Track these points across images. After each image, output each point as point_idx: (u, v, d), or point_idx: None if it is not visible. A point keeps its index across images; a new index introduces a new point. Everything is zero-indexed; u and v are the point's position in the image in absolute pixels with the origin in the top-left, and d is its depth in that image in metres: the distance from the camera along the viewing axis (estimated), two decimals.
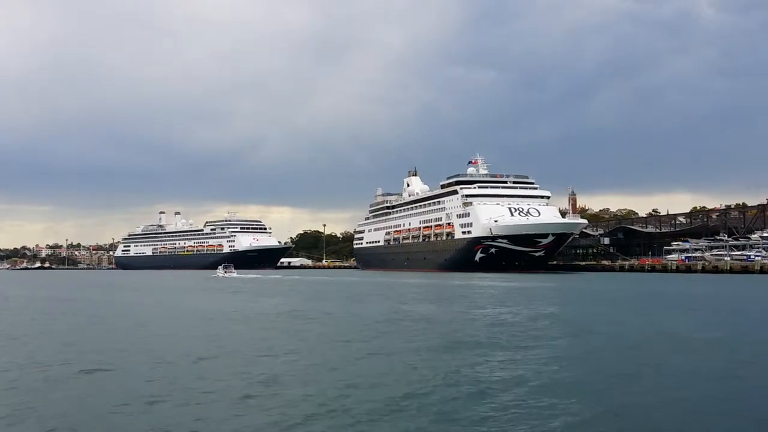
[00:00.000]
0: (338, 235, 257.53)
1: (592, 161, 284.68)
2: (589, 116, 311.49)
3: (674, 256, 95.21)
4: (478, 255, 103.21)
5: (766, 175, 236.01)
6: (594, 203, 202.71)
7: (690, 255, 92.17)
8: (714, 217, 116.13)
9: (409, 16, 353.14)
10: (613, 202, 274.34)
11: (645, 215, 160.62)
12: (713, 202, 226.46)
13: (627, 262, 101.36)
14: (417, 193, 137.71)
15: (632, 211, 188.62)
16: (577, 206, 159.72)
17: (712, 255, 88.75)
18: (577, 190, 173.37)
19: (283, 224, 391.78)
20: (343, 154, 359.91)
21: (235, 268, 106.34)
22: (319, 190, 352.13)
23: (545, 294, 43.46)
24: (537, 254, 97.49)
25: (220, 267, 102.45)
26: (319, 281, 75.54)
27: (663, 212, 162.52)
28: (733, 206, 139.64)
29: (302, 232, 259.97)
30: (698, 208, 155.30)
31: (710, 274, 77.68)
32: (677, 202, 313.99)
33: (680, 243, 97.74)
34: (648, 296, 42.58)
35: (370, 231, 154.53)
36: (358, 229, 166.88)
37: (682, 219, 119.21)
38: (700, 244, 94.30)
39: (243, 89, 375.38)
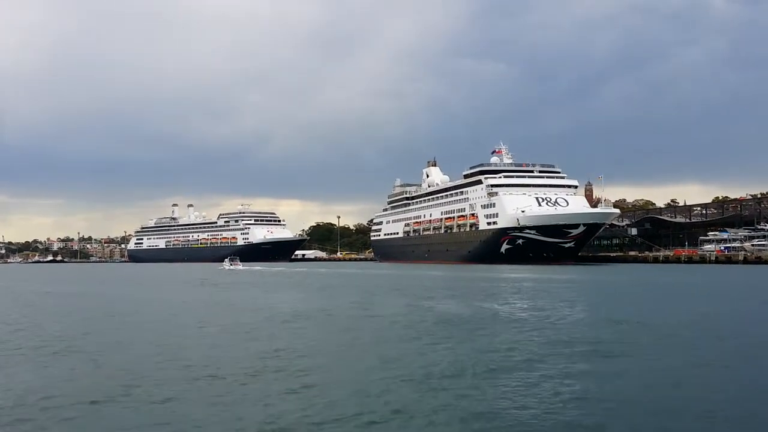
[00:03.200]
0: (351, 227, 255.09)
1: (601, 153, 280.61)
2: (598, 108, 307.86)
3: (711, 246, 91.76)
4: (504, 246, 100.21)
5: None
6: (605, 194, 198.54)
7: (729, 245, 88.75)
8: (743, 206, 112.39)
9: (417, 8, 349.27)
10: (623, 194, 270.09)
11: (663, 205, 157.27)
12: (723, 192, 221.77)
13: (661, 253, 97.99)
14: (437, 184, 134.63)
15: (650, 201, 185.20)
16: (594, 197, 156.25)
17: (752, 245, 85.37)
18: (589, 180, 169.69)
19: (292, 217, 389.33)
20: (352, 146, 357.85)
21: (250, 261, 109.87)
22: (329, 183, 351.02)
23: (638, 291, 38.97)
24: (567, 245, 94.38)
25: (226, 260, 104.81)
26: (363, 275, 72.33)
27: (681, 203, 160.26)
28: (759, 195, 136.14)
29: (314, 224, 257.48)
30: (720, 198, 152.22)
31: (755, 265, 74.33)
32: (687, 193, 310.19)
33: (717, 233, 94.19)
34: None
35: (388, 222, 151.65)
36: (375, 221, 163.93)
37: (713, 209, 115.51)
38: (739, 234, 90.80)
39: (252, 83, 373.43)
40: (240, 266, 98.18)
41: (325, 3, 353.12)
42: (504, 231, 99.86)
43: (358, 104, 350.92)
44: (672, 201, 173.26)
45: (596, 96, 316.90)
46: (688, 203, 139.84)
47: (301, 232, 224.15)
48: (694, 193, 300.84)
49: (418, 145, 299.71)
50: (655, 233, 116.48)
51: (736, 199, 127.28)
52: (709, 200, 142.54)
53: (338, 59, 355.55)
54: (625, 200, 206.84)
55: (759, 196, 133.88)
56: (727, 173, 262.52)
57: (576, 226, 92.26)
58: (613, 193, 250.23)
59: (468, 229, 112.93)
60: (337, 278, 60.55)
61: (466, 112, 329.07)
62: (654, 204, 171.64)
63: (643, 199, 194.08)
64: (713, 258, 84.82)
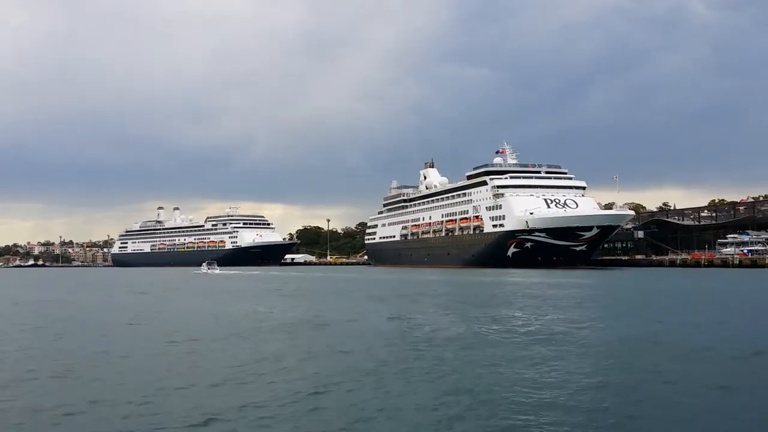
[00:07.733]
0: (339, 230, 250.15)
1: (585, 157, 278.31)
2: (581, 113, 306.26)
3: (730, 249, 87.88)
4: (512, 250, 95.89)
5: (762, 169, 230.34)
6: (598, 197, 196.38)
7: (751, 248, 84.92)
8: (742, 209, 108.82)
9: (401, 13, 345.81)
10: (608, 198, 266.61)
11: (656, 209, 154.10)
12: (708, 195, 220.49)
13: (678, 257, 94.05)
14: (436, 186, 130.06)
15: (640, 204, 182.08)
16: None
17: None
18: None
19: (276, 221, 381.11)
20: (335, 150, 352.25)
21: (239, 265, 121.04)
22: (311, 187, 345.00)
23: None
24: (579, 248, 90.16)
25: (204, 264, 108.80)
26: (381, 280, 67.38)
27: (671, 206, 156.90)
28: (758, 198, 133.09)
29: (302, 227, 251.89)
30: (717, 201, 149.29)
31: None
32: (671, 197, 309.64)
33: (737, 236, 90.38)
34: None
35: (384, 225, 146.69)
36: (370, 224, 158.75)
37: (723, 212, 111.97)
38: (762, 236, 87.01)
39: (234, 87, 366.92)
40: (217, 270, 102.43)
41: (311, 7, 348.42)
42: (512, 234, 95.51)
43: (342, 107, 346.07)
44: (664, 204, 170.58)
45: (579, 101, 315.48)
46: (677, 207, 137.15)
47: (288, 236, 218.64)
48: (679, 197, 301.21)
49: (403, 148, 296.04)
50: (664, 236, 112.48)
51: (737, 202, 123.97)
52: (696, 204, 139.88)
53: (322, 63, 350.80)
54: (614, 203, 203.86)
55: (759, 198, 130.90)
56: (711, 177, 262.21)
57: (589, 228, 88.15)
58: (604, 196, 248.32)
59: (471, 231, 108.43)
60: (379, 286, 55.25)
61: (449, 117, 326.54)
62: (645, 207, 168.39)
63: (633, 203, 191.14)
64: (737, 262, 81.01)
